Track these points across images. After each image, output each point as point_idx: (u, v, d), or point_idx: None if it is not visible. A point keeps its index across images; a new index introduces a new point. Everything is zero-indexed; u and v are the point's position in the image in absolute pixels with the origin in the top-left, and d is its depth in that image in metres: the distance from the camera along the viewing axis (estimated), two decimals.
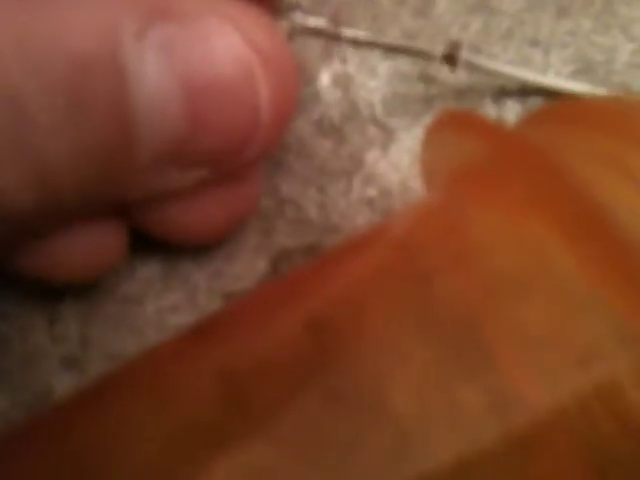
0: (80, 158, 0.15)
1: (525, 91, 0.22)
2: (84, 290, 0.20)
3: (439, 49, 0.20)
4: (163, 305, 0.20)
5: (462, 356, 0.13)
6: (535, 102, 0.22)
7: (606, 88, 0.22)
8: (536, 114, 0.16)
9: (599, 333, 0.13)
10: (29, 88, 0.14)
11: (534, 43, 0.22)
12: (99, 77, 0.15)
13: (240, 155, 0.17)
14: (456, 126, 0.15)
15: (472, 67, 0.21)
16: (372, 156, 0.21)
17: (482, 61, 0.21)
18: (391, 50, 0.21)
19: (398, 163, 0.21)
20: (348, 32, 0.21)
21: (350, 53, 0.22)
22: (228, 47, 0.16)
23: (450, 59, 0.20)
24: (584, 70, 0.22)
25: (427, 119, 0.21)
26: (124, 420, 0.14)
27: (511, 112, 0.22)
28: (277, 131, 0.17)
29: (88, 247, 0.18)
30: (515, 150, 0.14)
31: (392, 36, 0.22)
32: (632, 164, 0.13)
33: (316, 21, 0.20)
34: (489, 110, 0.22)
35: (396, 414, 0.13)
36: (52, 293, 0.20)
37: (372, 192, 0.21)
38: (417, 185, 0.21)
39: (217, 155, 0.17)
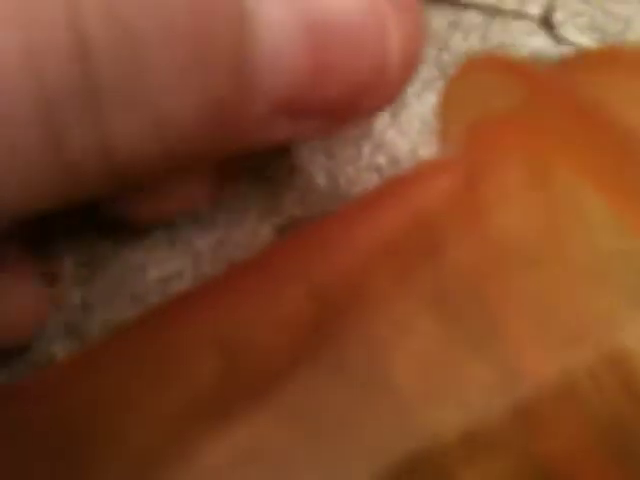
0: (200, 108, 0.14)
1: (538, 57, 0.21)
2: (85, 256, 0.19)
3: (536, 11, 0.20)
4: (166, 272, 0.20)
5: (468, 328, 0.13)
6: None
7: None
8: (568, 60, 0.16)
9: (609, 299, 0.13)
10: (152, 38, 0.13)
11: (548, 11, 0.22)
12: (222, 20, 0.14)
13: (358, 108, 0.16)
14: (487, 69, 0.15)
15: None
16: (381, 123, 0.21)
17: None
18: (489, 12, 0.20)
19: (408, 130, 0.21)
20: None
21: None
22: None
23: (545, 21, 0.20)
24: (598, 40, 0.22)
25: (438, 85, 0.21)
26: (120, 387, 0.14)
27: None
28: (401, 85, 0.16)
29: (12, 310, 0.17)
30: (549, 91, 0.13)
31: None
32: None
33: None
34: None
35: (399, 387, 0.13)
36: (52, 259, 0.19)
37: (381, 159, 0.20)
38: (427, 152, 0.20)
39: (335, 106, 0.16)
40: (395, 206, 0.15)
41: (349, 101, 0.15)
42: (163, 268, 0.20)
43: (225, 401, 0.13)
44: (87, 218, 0.19)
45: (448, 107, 0.17)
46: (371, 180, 0.20)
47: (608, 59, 0.15)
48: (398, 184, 0.16)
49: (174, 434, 0.13)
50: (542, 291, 0.13)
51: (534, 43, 0.21)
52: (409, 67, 0.16)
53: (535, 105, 0.14)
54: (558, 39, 0.21)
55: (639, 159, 0.11)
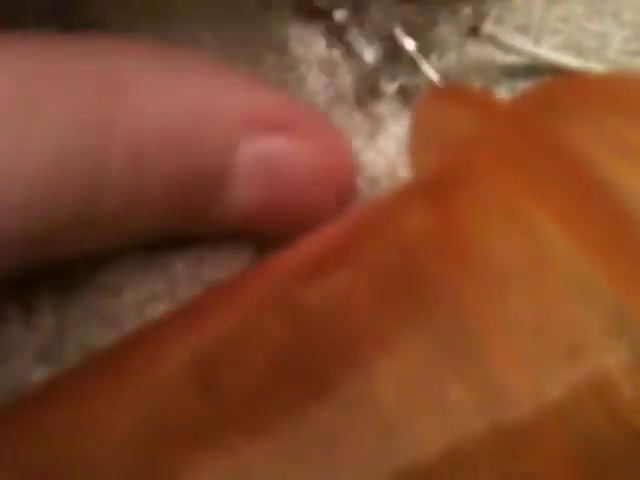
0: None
1: (514, 75, 0.22)
2: (60, 279, 0.19)
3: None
4: (142, 295, 0.19)
5: (450, 349, 0.13)
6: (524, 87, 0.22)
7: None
8: (529, 92, 0.16)
9: (592, 325, 0.13)
10: None
11: (525, 29, 0.22)
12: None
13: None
14: (446, 101, 0.15)
15: (494, 40, 0.21)
16: (359, 144, 0.21)
17: (504, 35, 0.21)
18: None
19: (385, 151, 0.21)
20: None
21: (337, 39, 0.22)
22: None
23: (474, 31, 0.20)
24: (575, 57, 0.22)
25: (414, 106, 0.21)
26: (97, 414, 0.14)
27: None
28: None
29: None
30: (509, 126, 0.14)
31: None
32: (634, 141, 0.13)
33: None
34: None
35: (381, 407, 0.13)
36: (28, 283, 0.19)
37: (359, 181, 0.20)
38: (405, 173, 0.20)
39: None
40: (374, 227, 0.15)
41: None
42: (139, 291, 0.19)
43: (202, 420, 0.13)
44: None
45: (415, 138, 0.17)
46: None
47: (571, 92, 0.15)
48: (374, 206, 0.16)
49: (153, 462, 0.13)
50: (525, 313, 0.13)
51: (510, 61, 0.22)
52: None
53: (488, 138, 0.14)
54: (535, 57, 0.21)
55: (603, 198, 0.12)
